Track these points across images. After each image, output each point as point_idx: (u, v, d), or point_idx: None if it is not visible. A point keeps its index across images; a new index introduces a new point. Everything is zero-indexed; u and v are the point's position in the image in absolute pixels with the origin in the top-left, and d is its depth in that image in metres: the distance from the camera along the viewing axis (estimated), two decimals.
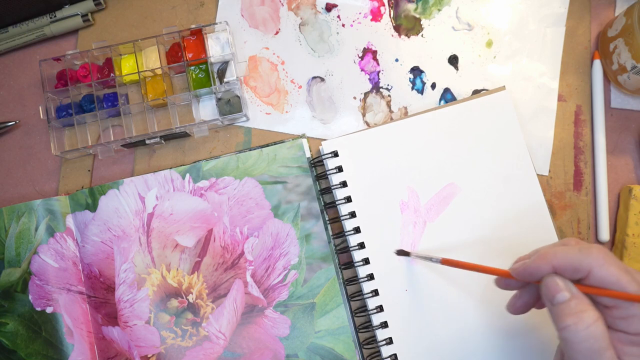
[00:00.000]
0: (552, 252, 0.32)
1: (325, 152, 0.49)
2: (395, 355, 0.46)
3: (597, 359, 0.29)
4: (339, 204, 0.48)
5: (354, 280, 0.47)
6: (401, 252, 0.46)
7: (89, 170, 0.52)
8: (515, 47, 0.52)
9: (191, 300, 0.48)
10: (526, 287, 0.36)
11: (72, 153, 0.50)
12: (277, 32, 0.53)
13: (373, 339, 0.47)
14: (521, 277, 0.34)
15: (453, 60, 0.52)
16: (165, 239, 0.48)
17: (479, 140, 0.49)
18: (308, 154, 0.49)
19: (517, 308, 0.37)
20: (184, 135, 0.51)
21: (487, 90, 0.51)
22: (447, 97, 0.51)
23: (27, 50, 0.54)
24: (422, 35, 0.52)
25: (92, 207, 0.49)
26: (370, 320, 0.47)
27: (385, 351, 0.46)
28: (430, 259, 0.43)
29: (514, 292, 0.38)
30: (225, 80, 0.51)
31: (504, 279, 0.37)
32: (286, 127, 0.51)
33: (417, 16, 0.52)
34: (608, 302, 0.31)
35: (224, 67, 0.51)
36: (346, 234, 0.47)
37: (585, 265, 0.31)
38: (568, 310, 0.31)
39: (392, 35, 0.52)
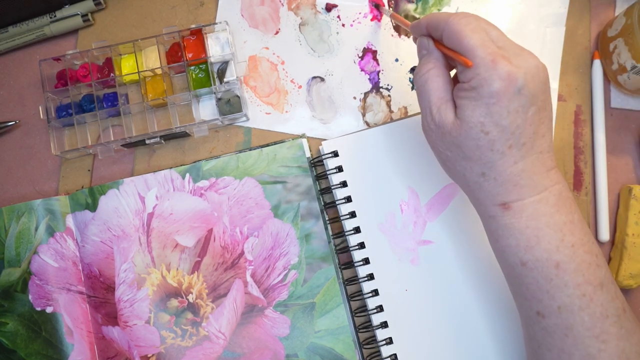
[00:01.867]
0: (431, 14, 0.38)
1: (325, 152, 0.49)
2: (395, 355, 0.46)
3: (427, 90, 0.37)
4: (339, 204, 0.48)
5: (354, 280, 0.47)
6: (376, 5, 0.51)
7: (89, 170, 0.52)
8: None
9: (191, 300, 0.48)
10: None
11: (72, 153, 0.50)
12: (277, 32, 0.53)
13: (373, 339, 0.47)
14: (412, 30, 0.41)
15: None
16: (165, 238, 0.48)
17: None
18: (308, 154, 0.49)
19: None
20: (184, 135, 0.51)
21: None
22: None
23: (27, 50, 0.54)
24: None
25: (92, 207, 0.49)
26: (370, 320, 0.47)
27: (385, 351, 0.46)
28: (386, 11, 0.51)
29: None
30: (225, 80, 0.51)
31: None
32: (286, 127, 0.51)
33: (417, 16, 0.52)
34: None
35: (224, 67, 0.51)
36: (346, 233, 0.47)
37: (442, 22, 0.36)
38: (419, 63, 0.39)
39: (392, 35, 0.52)
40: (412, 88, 0.52)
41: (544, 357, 0.37)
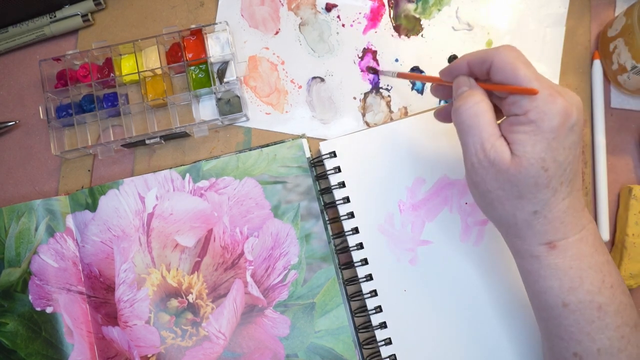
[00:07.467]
0: (470, 52, 0.37)
1: (323, 153, 0.49)
2: (394, 355, 0.46)
3: (476, 125, 0.34)
4: (338, 204, 0.48)
5: (354, 280, 0.47)
6: (371, 69, 0.51)
7: (89, 170, 0.52)
8: None
9: (191, 300, 0.48)
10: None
11: (72, 153, 0.50)
12: (277, 32, 0.53)
13: (373, 339, 0.47)
14: (445, 75, 0.39)
15: (453, 60, 0.52)
16: (165, 239, 0.48)
17: None
18: (308, 154, 0.49)
19: (441, 114, 0.43)
20: (184, 135, 0.51)
21: None
22: None
23: (27, 50, 0.54)
24: (422, 35, 0.52)
25: (92, 207, 0.49)
26: (370, 320, 0.47)
27: (385, 351, 0.46)
28: (389, 73, 0.49)
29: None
30: (225, 80, 0.51)
31: (439, 85, 0.42)
32: (286, 127, 0.51)
33: (417, 16, 0.52)
34: (501, 94, 0.35)
35: (224, 67, 0.51)
36: (346, 234, 0.47)
37: (490, 55, 0.35)
38: (461, 97, 0.36)
39: (392, 35, 0.52)
40: (412, 88, 0.52)
41: None
